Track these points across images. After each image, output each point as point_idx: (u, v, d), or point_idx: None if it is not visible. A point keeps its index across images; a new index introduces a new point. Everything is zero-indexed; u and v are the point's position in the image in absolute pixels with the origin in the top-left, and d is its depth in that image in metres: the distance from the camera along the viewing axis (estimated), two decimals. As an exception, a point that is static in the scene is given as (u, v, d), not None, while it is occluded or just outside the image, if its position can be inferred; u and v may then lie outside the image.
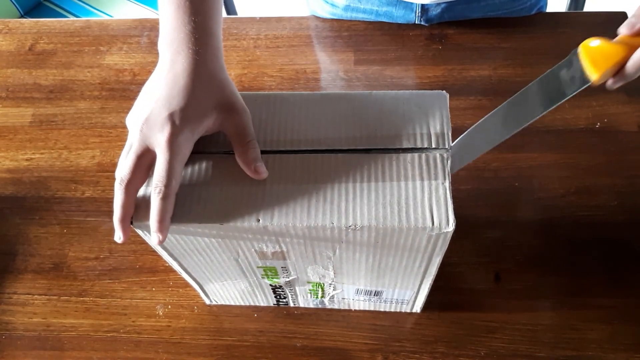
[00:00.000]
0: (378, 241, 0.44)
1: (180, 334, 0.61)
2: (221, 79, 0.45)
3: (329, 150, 0.45)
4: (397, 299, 0.57)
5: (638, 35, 0.40)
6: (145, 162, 0.43)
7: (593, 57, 0.39)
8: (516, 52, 0.80)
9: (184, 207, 0.42)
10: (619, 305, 0.60)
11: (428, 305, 0.59)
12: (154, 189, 0.41)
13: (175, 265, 0.51)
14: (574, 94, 0.41)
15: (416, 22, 0.82)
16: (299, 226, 0.42)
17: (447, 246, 0.44)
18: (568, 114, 0.73)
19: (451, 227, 0.41)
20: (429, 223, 0.41)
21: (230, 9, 1.42)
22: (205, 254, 0.48)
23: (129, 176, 0.42)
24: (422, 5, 0.79)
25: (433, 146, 0.44)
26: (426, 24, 0.82)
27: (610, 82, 0.42)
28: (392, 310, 0.60)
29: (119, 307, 0.63)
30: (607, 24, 0.80)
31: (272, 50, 0.81)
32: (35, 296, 0.64)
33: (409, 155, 0.44)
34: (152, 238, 0.42)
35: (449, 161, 0.43)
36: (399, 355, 0.59)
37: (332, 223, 0.41)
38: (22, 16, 1.39)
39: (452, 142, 0.45)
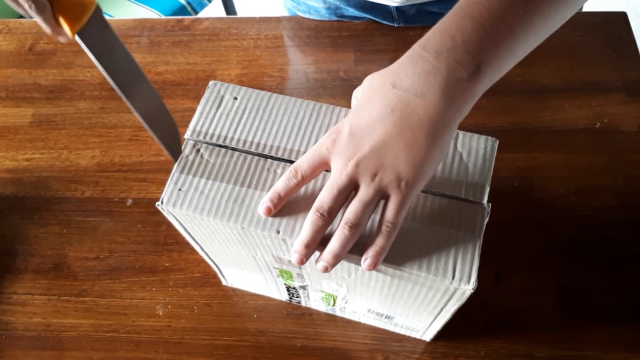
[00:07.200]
0: (395, 278, 0.43)
1: (180, 334, 0.61)
2: None
3: None
4: (408, 326, 0.56)
5: None
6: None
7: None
8: (516, 52, 0.79)
9: (213, 201, 0.42)
10: (619, 305, 0.60)
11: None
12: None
13: (196, 247, 0.51)
14: None
15: (395, 25, 0.81)
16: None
17: (463, 302, 0.43)
18: (568, 114, 0.73)
19: (471, 286, 0.39)
20: (449, 276, 0.39)
21: (230, 9, 1.42)
22: (225, 245, 0.48)
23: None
24: (397, 8, 0.78)
25: (466, 197, 0.42)
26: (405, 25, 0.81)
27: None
28: (402, 333, 0.60)
29: (119, 307, 0.63)
30: (607, 24, 0.80)
31: (272, 50, 0.81)
32: (35, 296, 0.64)
33: (445, 201, 0.42)
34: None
35: (486, 218, 0.42)
36: (399, 355, 0.59)
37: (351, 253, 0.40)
38: (22, 16, 1.39)
39: None
